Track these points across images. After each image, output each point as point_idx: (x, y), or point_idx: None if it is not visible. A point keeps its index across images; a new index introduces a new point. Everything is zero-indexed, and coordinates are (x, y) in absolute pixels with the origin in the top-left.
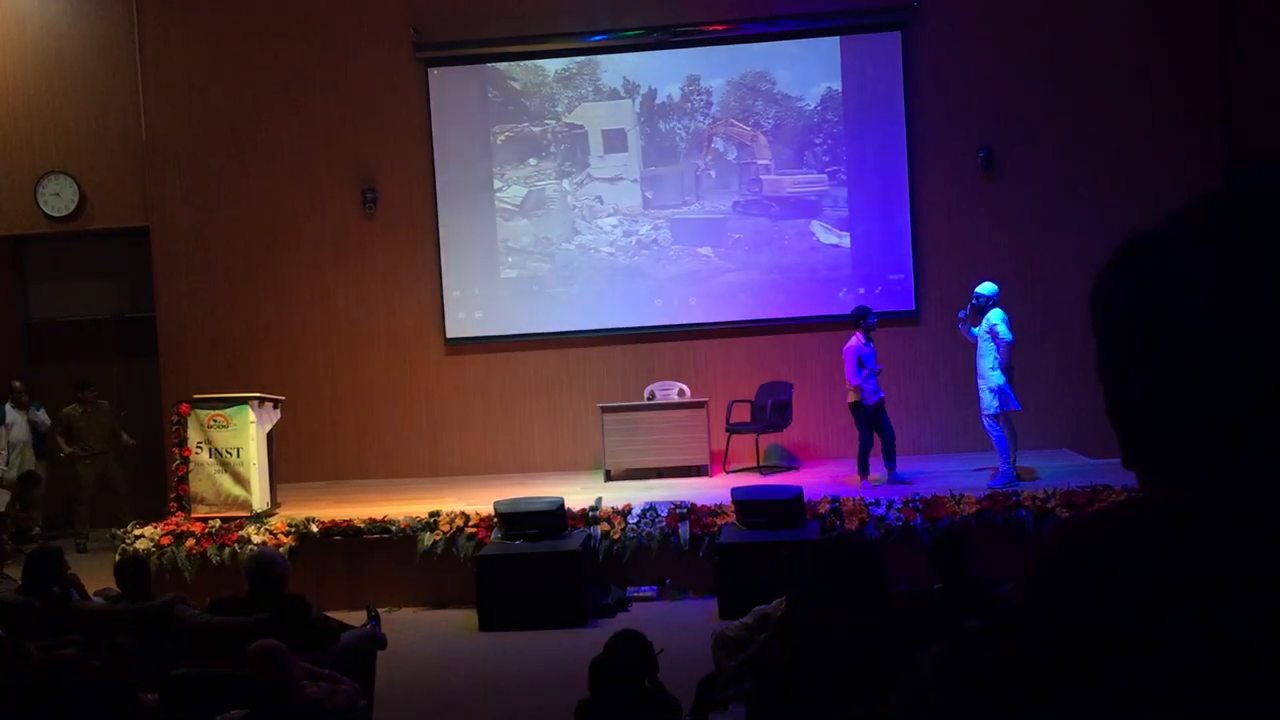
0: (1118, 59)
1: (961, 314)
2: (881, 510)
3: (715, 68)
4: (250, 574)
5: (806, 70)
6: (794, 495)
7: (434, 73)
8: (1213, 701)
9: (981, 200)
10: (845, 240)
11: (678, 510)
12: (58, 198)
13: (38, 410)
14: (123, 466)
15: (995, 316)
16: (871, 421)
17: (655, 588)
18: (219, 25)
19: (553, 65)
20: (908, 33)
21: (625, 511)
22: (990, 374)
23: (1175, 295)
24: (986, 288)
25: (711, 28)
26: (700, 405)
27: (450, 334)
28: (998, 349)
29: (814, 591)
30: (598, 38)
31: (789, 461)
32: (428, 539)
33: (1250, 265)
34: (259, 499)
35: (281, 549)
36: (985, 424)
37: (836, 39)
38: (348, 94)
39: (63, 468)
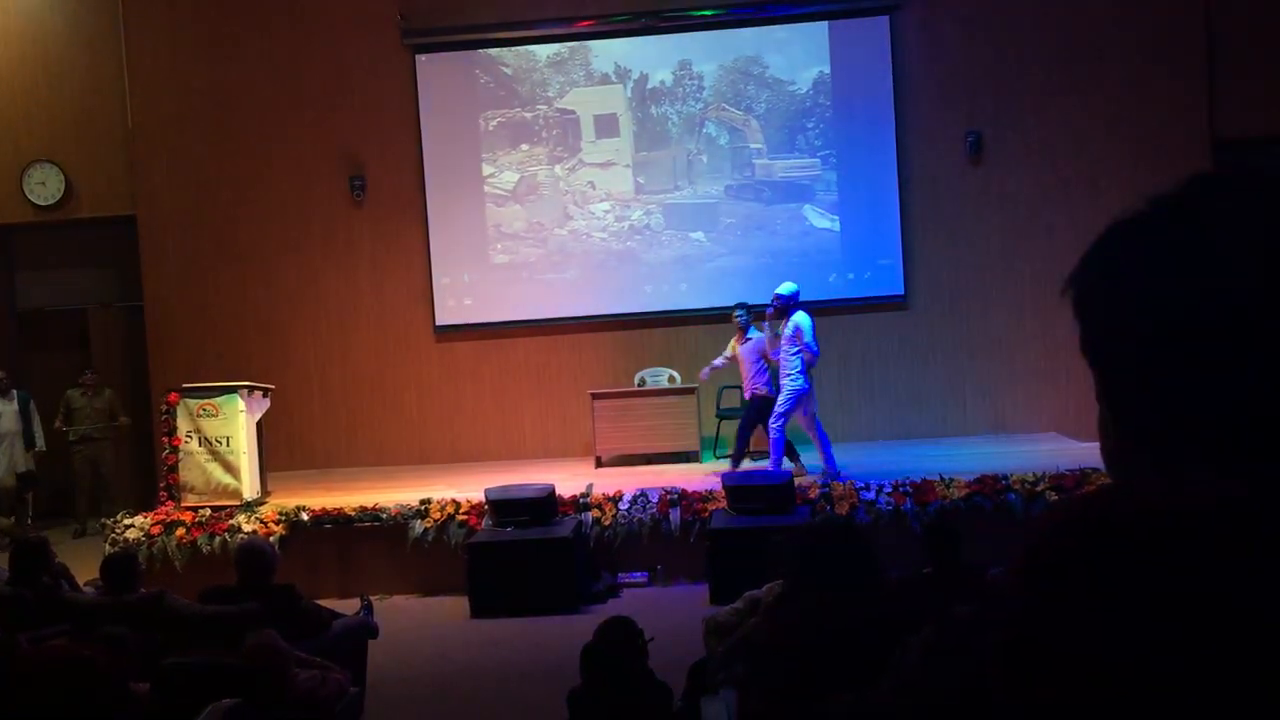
0: (1105, 43)
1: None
2: (871, 495)
3: (706, 52)
4: (239, 563)
5: (797, 55)
6: (784, 480)
7: (421, 59)
8: (1207, 696)
9: (970, 185)
10: (836, 225)
11: (668, 496)
12: (44, 186)
13: (25, 400)
14: (114, 453)
15: (801, 320)
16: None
17: (646, 574)
18: (204, 12)
19: (544, 50)
20: (895, 17)
21: (616, 498)
22: (798, 377)
23: (1159, 280)
24: (786, 287)
25: (700, 13)
26: (691, 391)
27: (440, 321)
28: (801, 353)
29: (804, 575)
30: (586, 23)
31: None
32: (418, 527)
33: (1235, 249)
34: (249, 488)
35: (272, 538)
36: (773, 423)
37: (825, 24)
38: (335, 81)
39: (50, 455)
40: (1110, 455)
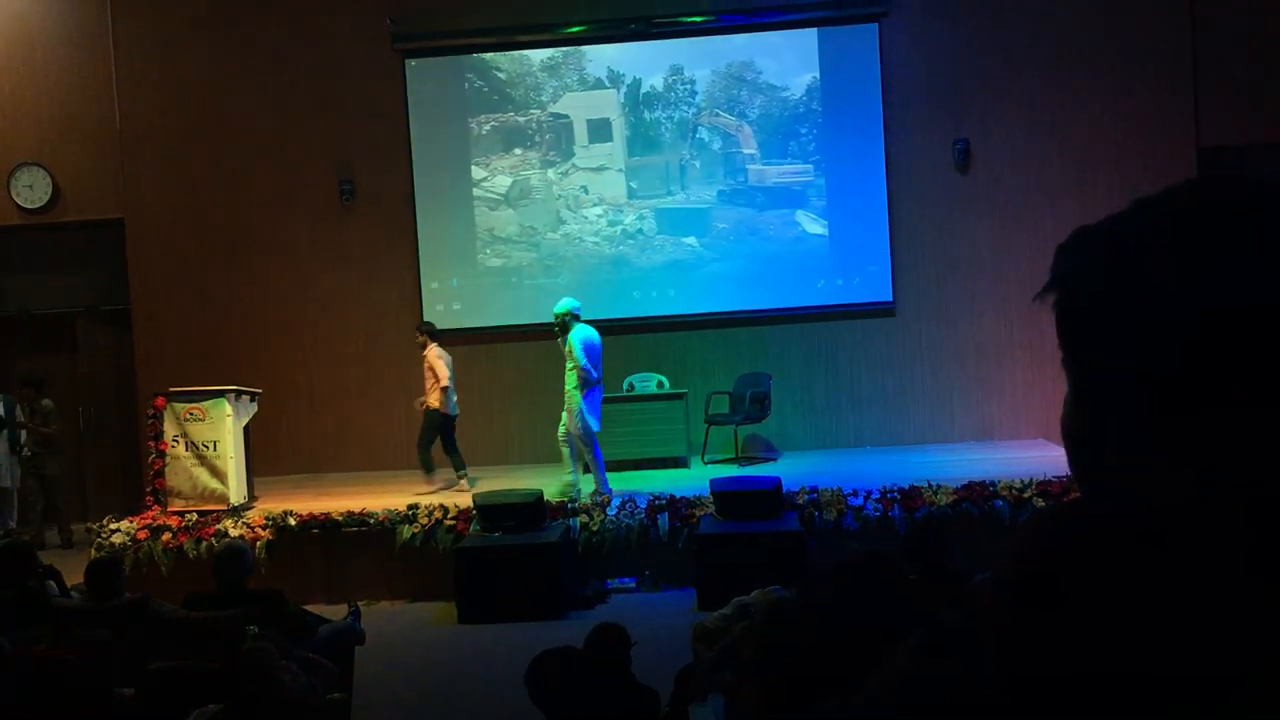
0: (1092, 50)
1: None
2: (859, 501)
3: (699, 58)
4: (216, 568)
5: (788, 61)
6: (772, 486)
7: (411, 64)
8: (1202, 703)
9: (957, 192)
10: (827, 230)
11: (656, 501)
12: (30, 189)
13: (10, 404)
14: (59, 463)
15: (575, 337)
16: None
17: (634, 579)
18: (194, 14)
19: (538, 55)
20: (883, 25)
21: (604, 503)
22: (572, 394)
23: (1128, 287)
24: (562, 305)
25: (692, 19)
26: (679, 396)
27: None
28: (575, 370)
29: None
30: (576, 28)
31: (767, 452)
32: (406, 532)
33: (1207, 258)
34: (236, 492)
35: (259, 543)
36: (571, 440)
37: (815, 30)
38: (325, 85)
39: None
40: (1088, 464)
